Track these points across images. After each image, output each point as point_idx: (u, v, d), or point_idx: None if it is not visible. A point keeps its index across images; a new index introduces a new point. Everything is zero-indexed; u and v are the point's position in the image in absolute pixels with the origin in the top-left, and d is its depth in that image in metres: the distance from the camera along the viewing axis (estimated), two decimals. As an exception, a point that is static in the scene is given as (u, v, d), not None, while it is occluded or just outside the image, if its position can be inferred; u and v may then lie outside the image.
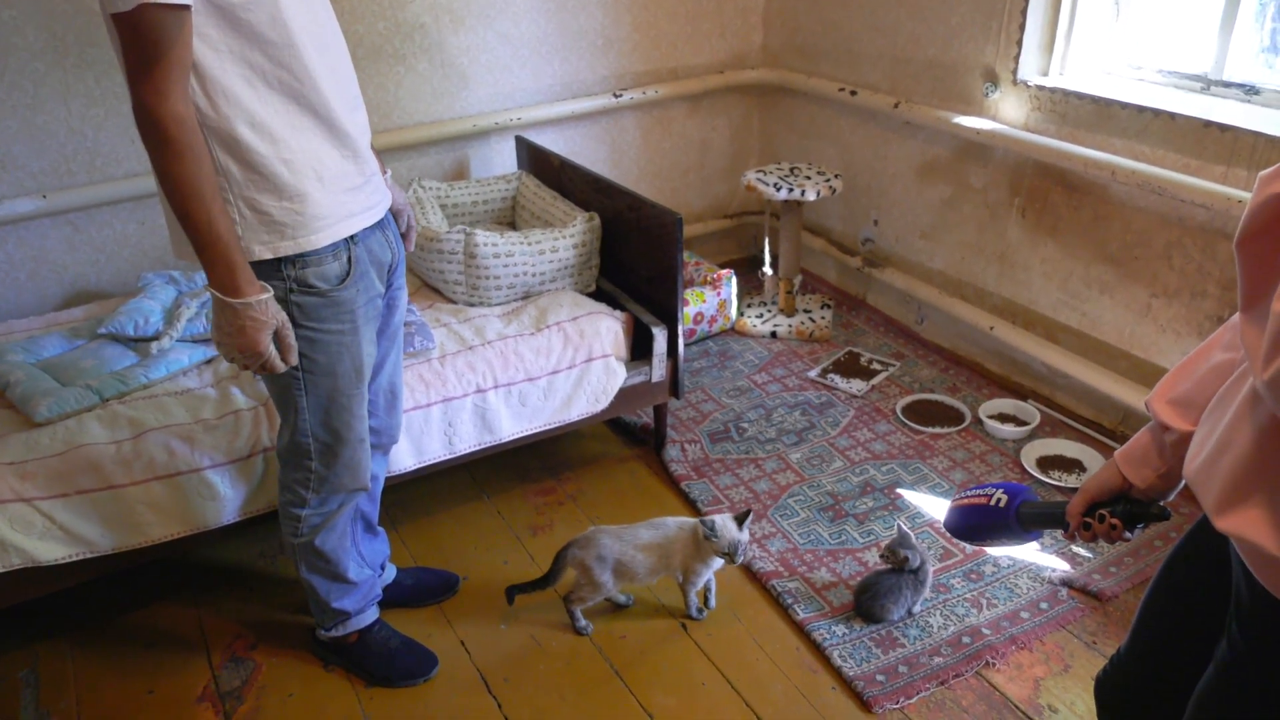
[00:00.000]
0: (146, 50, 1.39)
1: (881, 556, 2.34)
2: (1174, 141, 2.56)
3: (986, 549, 1.46)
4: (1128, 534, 1.29)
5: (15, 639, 2.32)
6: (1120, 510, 1.29)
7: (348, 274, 1.71)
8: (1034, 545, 2.48)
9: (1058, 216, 2.95)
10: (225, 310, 1.56)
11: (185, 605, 2.41)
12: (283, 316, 1.63)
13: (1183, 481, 1.26)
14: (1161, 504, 1.29)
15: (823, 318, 3.61)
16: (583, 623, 2.27)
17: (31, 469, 2.07)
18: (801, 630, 2.27)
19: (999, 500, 1.38)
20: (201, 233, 1.51)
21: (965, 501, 1.44)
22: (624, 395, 2.69)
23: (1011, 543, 1.42)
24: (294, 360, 1.68)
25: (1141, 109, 2.62)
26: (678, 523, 2.28)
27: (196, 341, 2.47)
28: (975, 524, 1.42)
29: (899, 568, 2.27)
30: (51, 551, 2.08)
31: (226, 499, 2.20)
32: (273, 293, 1.62)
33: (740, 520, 2.21)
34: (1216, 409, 1.09)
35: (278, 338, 1.64)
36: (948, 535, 2.54)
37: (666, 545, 2.24)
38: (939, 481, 2.76)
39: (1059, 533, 1.37)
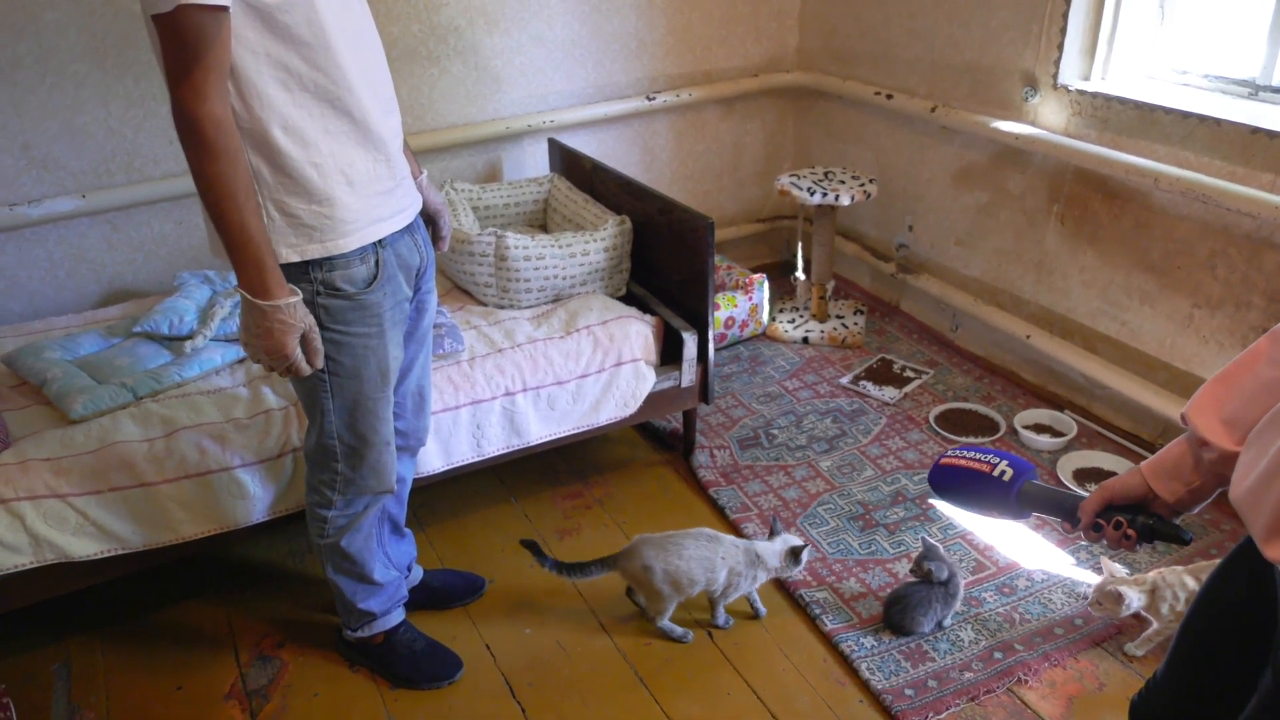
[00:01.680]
0: (185, 51, 1.40)
1: (911, 570, 2.32)
2: (1220, 148, 2.51)
3: (958, 507, 1.40)
4: (1138, 546, 1.25)
5: (49, 634, 2.35)
6: (1140, 523, 1.24)
7: (375, 278, 1.71)
8: (1069, 560, 2.44)
9: (1097, 224, 2.90)
10: (254, 312, 1.57)
11: (214, 603, 2.43)
12: (310, 320, 1.63)
13: (1209, 499, 1.22)
14: (1180, 523, 1.24)
15: (855, 324, 3.59)
16: (679, 632, 2.26)
17: (66, 465, 2.10)
18: (829, 641, 2.26)
19: (1003, 473, 1.32)
20: (234, 234, 1.51)
21: (963, 463, 1.37)
22: (653, 400, 2.69)
23: (996, 515, 1.36)
24: (320, 364, 1.69)
25: (1186, 115, 2.57)
26: (730, 541, 2.27)
27: (230, 341, 2.49)
28: (968, 489, 1.35)
29: (927, 579, 2.25)
30: (84, 547, 2.11)
31: (256, 498, 2.22)
32: (301, 296, 1.62)
33: (795, 555, 2.26)
34: (1268, 429, 1.05)
35: (305, 341, 1.64)
36: (980, 547, 2.52)
37: (714, 560, 2.23)
38: None
39: (1059, 522, 1.33)
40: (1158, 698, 1.35)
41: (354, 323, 1.72)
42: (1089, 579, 2.38)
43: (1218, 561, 2.11)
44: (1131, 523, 1.24)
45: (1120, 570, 2.21)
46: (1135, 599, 2.11)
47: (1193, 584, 2.12)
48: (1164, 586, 2.12)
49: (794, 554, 2.26)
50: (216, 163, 1.46)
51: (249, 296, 1.56)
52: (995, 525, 2.60)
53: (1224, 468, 1.17)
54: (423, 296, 1.92)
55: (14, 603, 2.12)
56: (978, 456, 1.36)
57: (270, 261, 1.55)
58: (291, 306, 1.58)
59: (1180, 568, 2.18)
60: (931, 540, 2.30)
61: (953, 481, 1.37)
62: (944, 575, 2.24)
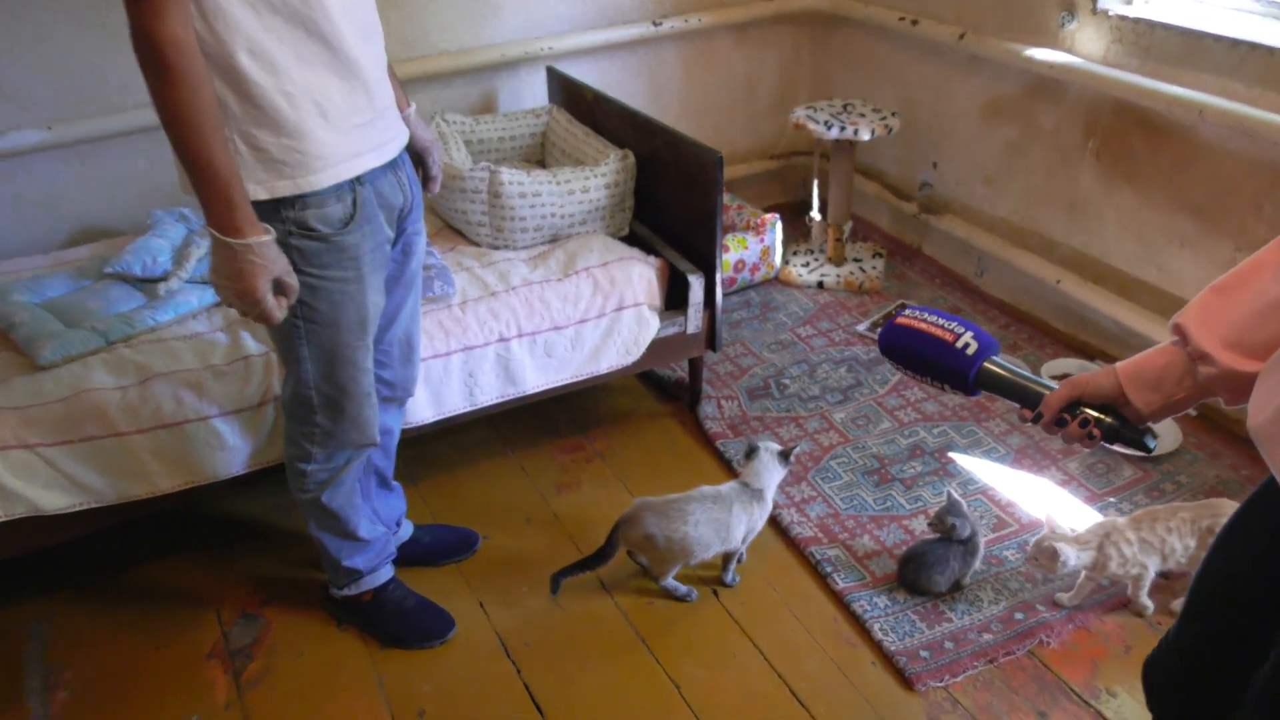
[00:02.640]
0: None
1: (929, 525, 2.32)
2: (1272, 79, 2.43)
3: (906, 373, 1.36)
4: (1099, 444, 1.23)
5: (26, 591, 2.35)
6: (1107, 425, 1.22)
7: (352, 218, 1.68)
8: (1098, 517, 2.42)
9: (1136, 161, 2.84)
10: (223, 251, 1.54)
11: (196, 561, 2.43)
12: (284, 262, 1.60)
13: (1180, 412, 1.20)
14: (1147, 428, 1.22)
15: (874, 268, 3.56)
16: (683, 590, 2.27)
17: (35, 415, 2.08)
18: (840, 601, 2.26)
19: (966, 345, 1.28)
20: (200, 167, 1.47)
21: (923, 326, 1.32)
22: (657, 347, 2.67)
23: (945, 387, 1.32)
24: (290, 303, 1.65)
25: (1236, 42, 2.49)
26: (730, 490, 2.26)
27: (206, 283, 2.46)
28: (924, 355, 1.31)
29: (947, 537, 2.24)
30: (55, 500, 2.09)
31: (235, 449, 2.21)
32: (274, 235, 1.58)
33: (785, 456, 2.29)
34: None
35: (279, 286, 1.61)
36: (1002, 503, 2.51)
37: (727, 519, 2.23)
38: (995, 446, 2.72)
39: (1016, 407, 1.29)
40: (1171, 657, 1.34)
41: (330, 266, 1.69)
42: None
43: (1161, 511, 2.13)
44: (1099, 422, 1.22)
45: (1063, 526, 2.21)
46: (1073, 556, 2.11)
47: (1135, 540, 2.13)
48: (1109, 545, 2.13)
49: (784, 455, 2.28)
50: (178, 89, 1.41)
51: (218, 235, 1.52)
52: (1018, 479, 2.60)
53: (1218, 386, 1.13)
54: (409, 238, 1.89)
55: (-16, 558, 2.12)
56: (940, 322, 1.32)
57: (240, 197, 1.51)
58: (264, 246, 1.55)
59: (1123, 520, 2.18)
60: (956, 495, 2.29)
61: (907, 344, 1.32)
62: (966, 532, 2.23)
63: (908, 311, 1.36)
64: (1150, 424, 1.23)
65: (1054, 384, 1.26)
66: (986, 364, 1.28)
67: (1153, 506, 2.25)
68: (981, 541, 2.28)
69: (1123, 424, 1.22)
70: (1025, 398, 1.27)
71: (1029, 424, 1.28)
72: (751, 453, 2.31)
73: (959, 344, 1.29)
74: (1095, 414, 1.23)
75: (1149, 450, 1.22)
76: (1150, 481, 2.55)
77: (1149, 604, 2.18)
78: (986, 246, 3.33)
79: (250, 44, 1.49)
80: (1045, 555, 2.13)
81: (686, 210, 2.69)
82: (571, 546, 2.43)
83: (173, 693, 2.08)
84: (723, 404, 2.91)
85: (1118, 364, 1.23)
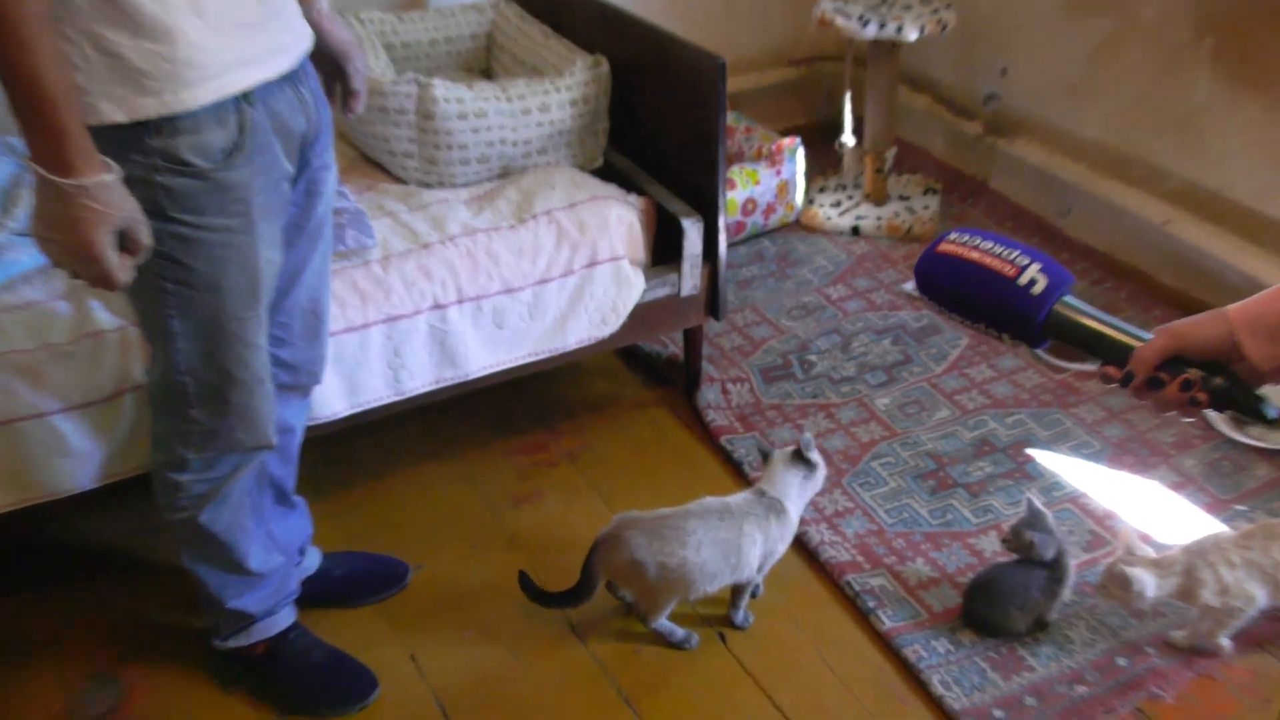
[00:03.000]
0: None
1: (1004, 543, 2.33)
2: None
3: (948, 315, 1.37)
4: (1204, 411, 1.23)
5: None
6: (1216, 386, 1.22)
7: (238, 147, 1.67)
8: (1224, 531, 2.43)
9: (1268, 64, 2.85)
10: (49, 193, 1.51)
11: (30, 603, 2.40)
12: (133, 207, 1.58)
13: None
14: (1263, 394, 1.22)
15: (926, 208, 3.57)
16: (680, 634, 2.29)
17: None
18: (887, 645, 2.27)
19: (1033, 282, 1.28)
20: (20, 85, 1.45)
21: (974, 256, 1.32)
22: (642, 315, 2.67)
23: (1001, 336, 1.32)
24: (139, 263, 1.63)
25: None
26: (743, 502, 2.27)
27: (40, 236, 2.43)
28: (975, 295, 1.31)
29: (1027, 558, 2.26)
30: None
31: (83, 455, 2.19)
32: (121, 173, 1.56)
33: (802, 460, 2.30)
34: None
35: (126, 239, 1.59)
36: (1098, 515, 2.52)
37: (738, 541, 2.22)
38: (1087, 440, 2.73)
39: (1095, 366, 1.30)
40: None
41: (209, 211, 1.68)
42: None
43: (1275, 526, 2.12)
44: (1205, 383, 1.22)
45: (1142, 546, 2.23)
46: (1151, 584, 2.13)
47: (1240, 562, 2.14)
48: (1202, 567, 2.14)
49: (798, 456, 2.28)
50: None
51: (43, 173, 1.50)
52: (1118, 481, 2.61)
53: None
54: (314, 175, 1.90)
55: None
56: (996, 250, 1.31)
57: (73, 124, 1.49)
58: (103, 188, 1.53)
59: (1227, 534, 2.19)
60: (1038, 504, 2.30)
61: (952, 279, 1.33)
62: (1050, 553, 2.24)
63: (953, 236, 1.35)
64: (1263, 387, 1.23)
65: (1148, 334, 1.26)
66: (1059, 306, 1.28)
67: (1269, 520, 2.26)
68: (1071, 564, 2.28)
69: (1234, 385, 1.22)
70: (1111, 350, 1.27)
71: (1113, 387, 1.27)
72: (767, 457, 2.33)
73: (1022, 279, 1.28)
74: (1200, 372, 1.23)
75: (1269, 420, 1.21)
76: (1292, 483, 2.58)
77: (1227, 644, 2.20)
78: (1072, 178, 3.34)
79: (95, -90, 1.49)
80: (1116, 583, 2.16)
81: (679, 135, 2.66)
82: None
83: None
84: (729, 389, 2.90)
85: (1229, 307, 1.23)
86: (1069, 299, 1.29)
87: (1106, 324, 1.28)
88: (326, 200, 1.94)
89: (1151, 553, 2.21)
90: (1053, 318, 1.28)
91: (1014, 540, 2.27)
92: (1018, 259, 1.30)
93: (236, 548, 2.05)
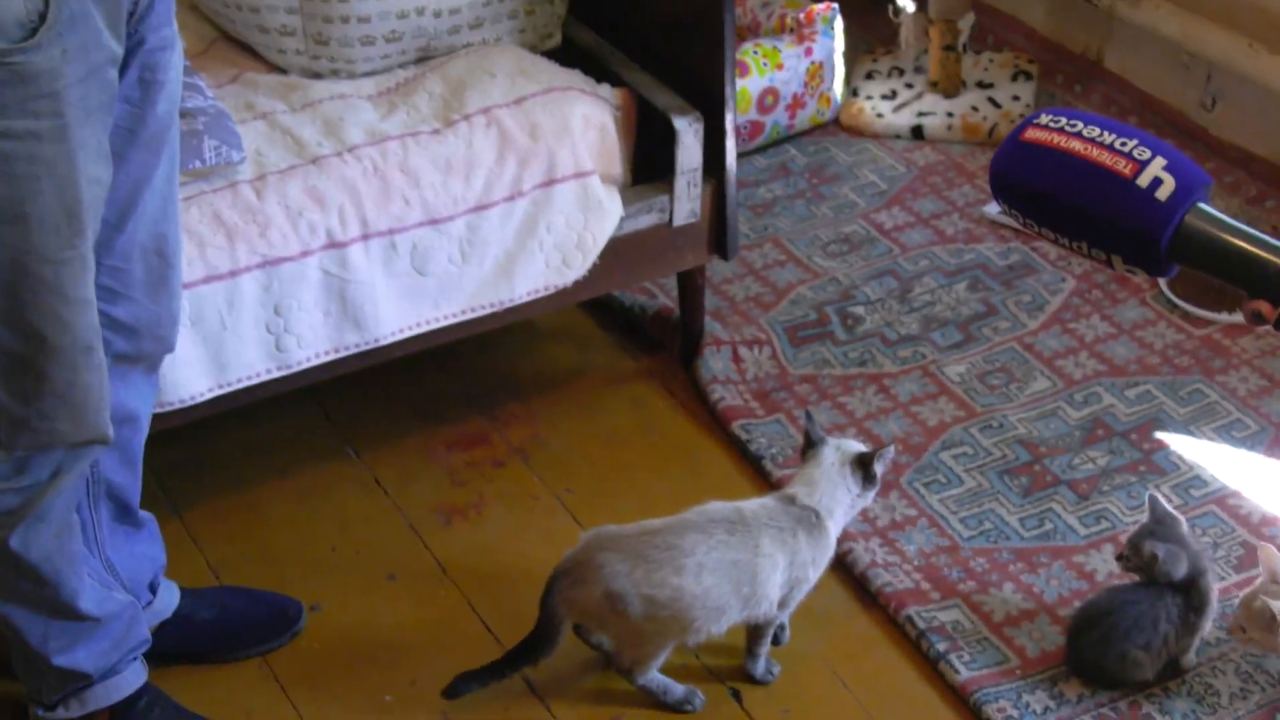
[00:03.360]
0: None
1: (1120, 560, 2.31)
2: None
3: (1032, 227, 1.33)
4: None
5: None
6: None
7: (42, 19, 1.64)
8: None
9: None
10: None
11: None
12: None
13: None
14: None
15: (1016, 99, 3.56)
16: (679, 692, 2.29)
17: None
18: (964, 701, 2.26)
19: (1156, 181, 1.25)
20: None
21: (1073, 145, 1.30)
22: (619, 253, 2.66)
23: (1111, 258, 1.30)
24: None
25: None
26: (762, 511, 2.26)
27: None
28: (1073, 200, 1.29)
29: (1151, 579, 2.22)
30: None
31: None
32: None
33: (866, 467, 2.28)
34: None
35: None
36: (1253, 521, 2.49)
37: (747, 559, 2.20)
38: (1239, 418, 2.73)
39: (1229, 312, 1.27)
40: None
41: (5, 112, 1.67)
42: None
43: None
44: None
45: None
46: None
47: None
48: None
49: (863, 465, 2.28)
50: None
51: None
52: (1264, 463, 2.57)
53: None
54: (149, 57, 1.88)
55: None
56: (1105, 138, 1.28)
57: None
58: None
59: None
60: (1163, 503, 2.27)
61: (1042, 178, 1.30)
62: (1182, 571, 2.20)
63: (1044, 119, 1.31)
64: None
65: None
66: (1191, 216, 1.24)
67: None
68: (1214, 588, 2.27)
69: None
70: (1259, 277, 1.23)
71: (1268, 332, 1.23)
72: (813, 447, 2.29)
73: (1142, 179, 1.24)
74: None
75: None
76: None
77: None
78: (1218, 54, 3.32)
79: None
80: (1257, 621, 2.15)
81: (670, 6, 2.65)
82: (473, 621, 2.40)
83: None
84: (743, 355, 2.87)
85: None
86: (1205, 207, 1.25)
87: (1259, 242, 1.24)
88: (169, 94, 1.91)
89: None
90: (1183, 233, 1.24)
91: (1133, 556, 2.25)
92: (1136, 150, 1.25)
93: (62, 583, 2.03)
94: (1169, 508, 2.27)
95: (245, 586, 2.45)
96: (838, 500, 2.26)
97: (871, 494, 2.32)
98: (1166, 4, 3.44)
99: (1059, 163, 1.27)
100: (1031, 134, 1.29)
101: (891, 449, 2.30)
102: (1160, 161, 1.24)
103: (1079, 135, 1.27)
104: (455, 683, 2.24)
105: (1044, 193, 1.28)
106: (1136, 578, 2.26)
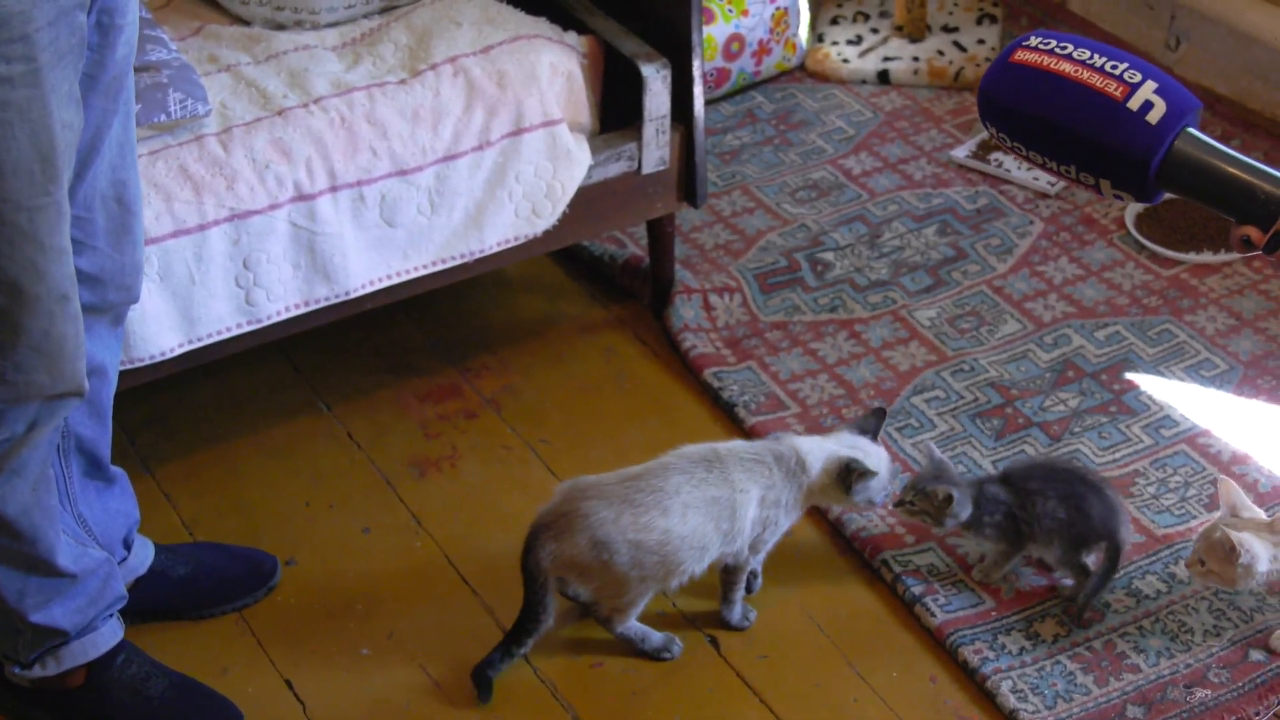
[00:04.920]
0: None
1: (901, 505, 2.36)
2: None
3: (1020, 152, 1.37)
4: None
5: None
6: None
7: None
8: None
9: None
10: None
11: None
12: None
13: None
14: None
15: (981, 42, 3.57)
16: (657, 639, 2.31)
17: None
18: (940, 643, 2.30)
19: (1146, 105, 1.27)
20: None
21: (1063, 67, 1.31)
22: (588, 202, 2.69)
23: (1099, 184, 1.32)
24: None
25: None
26: (742, 450, 2.28)
27: None
28: (1063, 122, 1.31)
29: (939, 521, 2.30)
30: None
31: None
32: None
33: (873, 428, 2.33)
34: None
35: None
36: (1223, 460, 2.54)
37: (732, 499, 2.23)
38: (1209, 358, 2.77)
39: (1218, 254, 1.30)
40: None
41: None
42: None
43: None
44: None
45: (1251, 506, 2.25)
46: (1265, 556, 2.14)
47: None
48: None
49: (843, 478, 2.27)
50: None
51: None
52: (1253, 414, 2.62)
53: None
54: (108, 1, 1.87)
55: None
56: (1094, 59, 1.30)
57: None
58: None
59: None
60: (937, 451, 2.36)
61: (1032, 100, 1.32)
62: (967, 512, 2.29)
63: (1033, 40, 1.33)
64: None
65: None
66: (1181, 142, 1.27)
67: None
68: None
69: None
70: (1248, 202, 1.26)
71: (1256, 253, 1.27)
72: (852, 427, 2.35)
73: (1133, 101, 1.27)
74: None
75: None
76: None
77: None
78: None
79: None
80: (1216, 553, 2.17)
81: None
82: (449, 573, 2.43)
83: None
84: (713, 302, 2.90)
85: None
86: (1194, 132, 1.28)
87: (1248, 167, 1.27)
88: (128, 38, 1.92)
89: (1263, 515, 2.23)
90: (1173, 157, 1.27)
91: (919, 500, 2.30)
92: (1126, 73, 1.28)
93: (39, 539, 2.03)
94: (942, 455, 2.34)
95: (219, 543, 2.47)
96: (816, 474, 2.28)
97: (861, 501, 2.30)
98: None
99: (1048, 84, 1.29)
100: (1021, 55, 1.31)
101: (876, 492, 2.27)
102: (1151, 85, 1.26)
103: (1069, 57, 1.29)
104: (475, 680, 2.25)
105: (1033, 114, 1.30)
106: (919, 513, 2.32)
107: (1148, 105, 1.26)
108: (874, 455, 2.28)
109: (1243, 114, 3.37)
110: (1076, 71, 1.29)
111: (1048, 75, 1.30)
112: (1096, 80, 1.28)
